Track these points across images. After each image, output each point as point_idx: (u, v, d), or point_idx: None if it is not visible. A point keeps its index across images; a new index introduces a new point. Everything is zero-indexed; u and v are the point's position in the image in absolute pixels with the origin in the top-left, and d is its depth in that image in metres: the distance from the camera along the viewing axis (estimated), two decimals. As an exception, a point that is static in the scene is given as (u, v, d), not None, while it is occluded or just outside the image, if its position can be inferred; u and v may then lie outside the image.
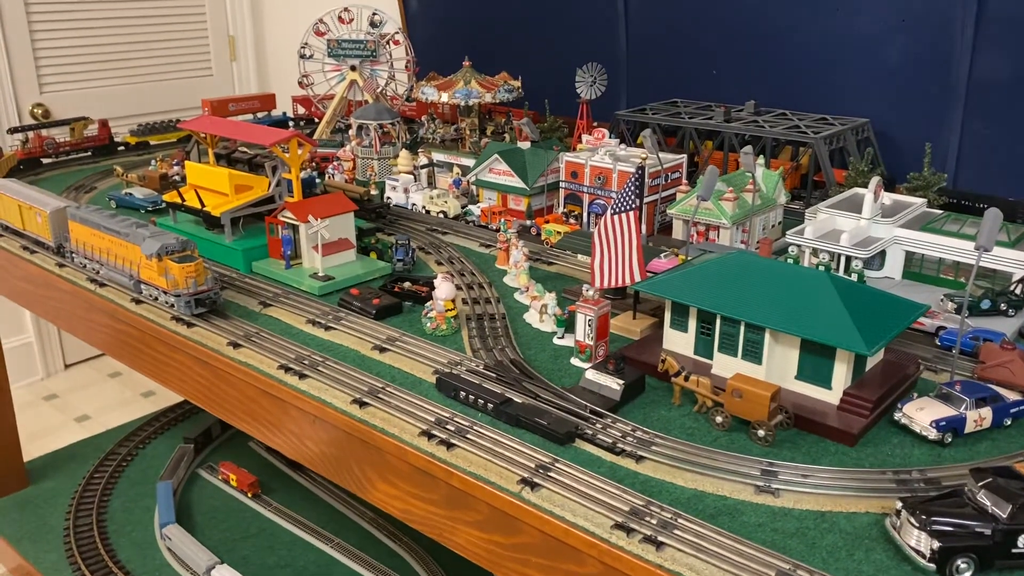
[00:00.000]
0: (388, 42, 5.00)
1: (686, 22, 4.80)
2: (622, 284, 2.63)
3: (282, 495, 4.83)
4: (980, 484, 1.72)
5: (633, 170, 2.75)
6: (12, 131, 4.74)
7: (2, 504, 4.87)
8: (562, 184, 3.71)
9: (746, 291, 2.31)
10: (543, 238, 3.45)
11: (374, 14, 4.96)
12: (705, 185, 2.90)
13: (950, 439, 2.10)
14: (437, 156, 4.30)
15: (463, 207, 3.84)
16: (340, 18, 4.99)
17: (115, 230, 3.04)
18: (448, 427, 2.19)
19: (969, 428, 2.12)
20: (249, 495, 4.80)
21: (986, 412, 2.13)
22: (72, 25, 6.69)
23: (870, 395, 2.17)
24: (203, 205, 3.33)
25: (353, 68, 4.99)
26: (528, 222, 3.65)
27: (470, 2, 5.84)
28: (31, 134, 4.64)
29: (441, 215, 3.84)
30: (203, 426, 5.30)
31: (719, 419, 2.18)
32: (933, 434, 2.09)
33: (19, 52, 6.41)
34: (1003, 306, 2.71)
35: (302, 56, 5.06)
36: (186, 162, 3.64)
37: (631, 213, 2.60)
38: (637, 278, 2.62)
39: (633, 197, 2.60)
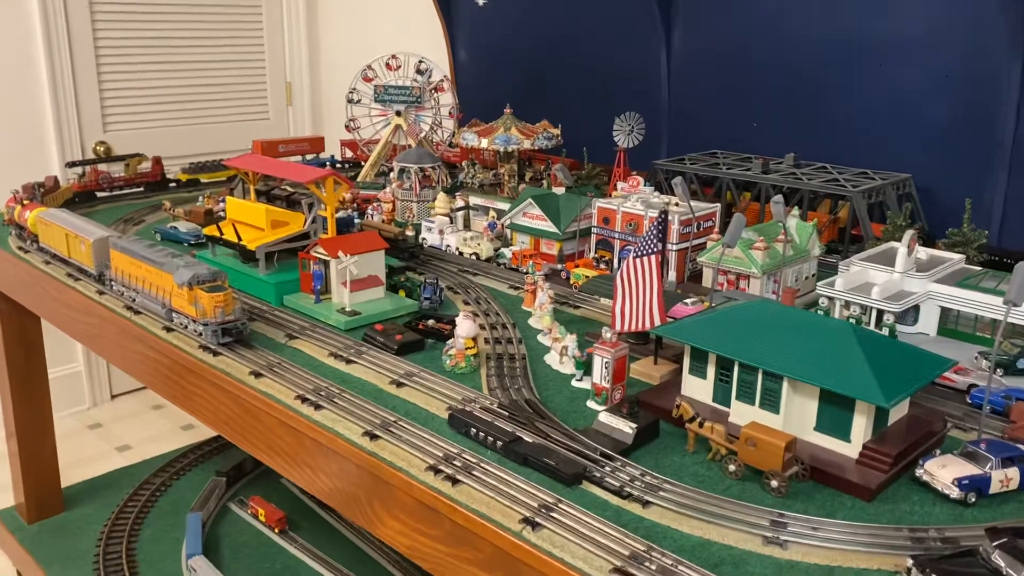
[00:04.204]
0: (434, 89, 5.12)
1: (728, 76, 4.82)
2: (642, 328, 2.61)
3: (309, 532, 4.82)
4: (995, 544, 1.64)
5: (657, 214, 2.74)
6: (69, 165, 4.95)
7: (37, 528, 4.96)
8: (594, 229, 3.71)
9: (766, 339, 2.27)
10: (571, 282, 3.45)
11: (420, 62, 5.09)
12: (730, 233, 2.88)
13: (974, 499, 2.01)
14: (474, 200, 4.35)
15: (496, 250, 3.87)
16: (388, 65, 5.13)
17: (151, 259, 3.13)
18: (455, 463, 2.18)
19: (995, 488, 2.03)
20: (276, 530, 4.81)
21: (1013, 472, 2.04)
22: (138, 69, 6.99)
23: (890, 450, 2.10)
24: (239, 239, 3.41)
25: (398, 113, 5.11)
26: (559, 266, 3.65)
27: (517, 53, 5.95)
28: (88, 168, 4.83)
29: (474, 256, 3.87)
30: (236, 460, 5.35)
31: (732, 467, 2.13)
32: (956, 493, 2.01)
33: (87, 93, 6.71)
34: (1040, 365, 2.62)
35: (350, 101, 5.20)
36: (228, 197, 3.74)
37: (653, 257, 2.59)
38: (657, 322, 2.60)
39: (656, 240, 2.59)
